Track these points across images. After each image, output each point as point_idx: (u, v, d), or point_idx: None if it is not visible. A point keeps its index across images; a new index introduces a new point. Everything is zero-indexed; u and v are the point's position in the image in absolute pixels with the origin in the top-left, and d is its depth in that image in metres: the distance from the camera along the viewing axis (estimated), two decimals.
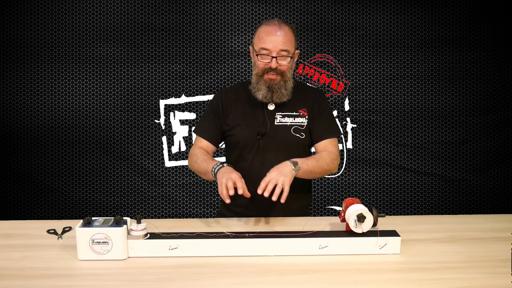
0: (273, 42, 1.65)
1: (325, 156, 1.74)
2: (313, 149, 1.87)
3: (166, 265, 1.26)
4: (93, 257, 1.28)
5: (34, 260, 1.30)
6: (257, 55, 1.70)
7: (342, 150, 2.94)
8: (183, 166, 2.92)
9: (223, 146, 1.94)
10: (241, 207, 1.79)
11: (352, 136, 2.93)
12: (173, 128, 2.90)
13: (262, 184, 1.50)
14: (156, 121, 2.88)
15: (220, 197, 1.96)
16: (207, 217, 2.93)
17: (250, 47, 1.77)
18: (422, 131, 2.94)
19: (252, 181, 1.73)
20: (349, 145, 2.94)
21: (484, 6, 2.85)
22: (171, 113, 2.88)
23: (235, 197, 1.76)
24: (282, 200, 1.49)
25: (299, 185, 1.77)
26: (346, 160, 2.95)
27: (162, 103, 2.87)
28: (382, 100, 2.92)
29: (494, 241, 1.43)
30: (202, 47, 2.85)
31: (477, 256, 1.32)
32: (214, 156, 1.85)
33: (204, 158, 1.74)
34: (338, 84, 2.90)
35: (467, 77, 2.91)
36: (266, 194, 1.48)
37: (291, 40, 1.68)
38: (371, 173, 2.96)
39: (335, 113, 2.91)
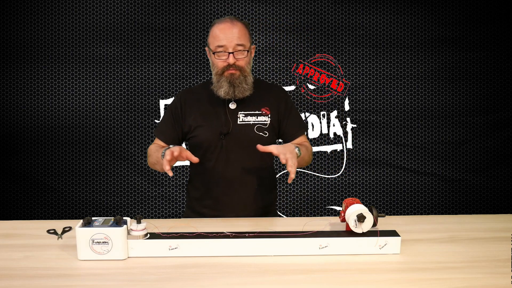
0: (228, 38, 1.66)
1: (309, 147, 1.81)
2: None
3: (166, 265, 1.26)
4: (93, 257, 1.28)
5: (34, 260, 1.30)
6: (213, 53, 1.70)
7: (342, 150, 2.95)
8: (183, 166, 2.92)
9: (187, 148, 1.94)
10: (207, 208, 1.80)
11: (352, 136, 2.93)
12: None
13: (273, 148, 1.54)
14: (156, 121, 2.88)
15: (185, 200, 1.96)
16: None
17: (206, 49, 1.77)
18: (422, 131, 2.94)
19: (217, 181, 1.75)
20: (349, 145, 2.94)
21: (484, 6, 2.85)
22: None
23: (201, 198, 1.78)
24: (289, 180, 1.52)
25: (264, 183, 1.79)
26: (346, 160, 2.95)
27: (162, 103, 2.87)
28: (382, 100, 2.92)
29: (494, 241, 1.43)
30: (202, 47, 2.85)
31: (477, 256, 1.32)
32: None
33: (157, 148, 1.76)
34: (338, 84, 2.90)
35: (467, 77, 2.91)
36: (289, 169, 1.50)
37: (245, 34, 1.69)
38: (371, 173, 2.97)
39: (335, 113, 2.92)
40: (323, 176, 2.96)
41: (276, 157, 1.83)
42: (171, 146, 1.65)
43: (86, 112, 2.87)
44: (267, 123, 1.76)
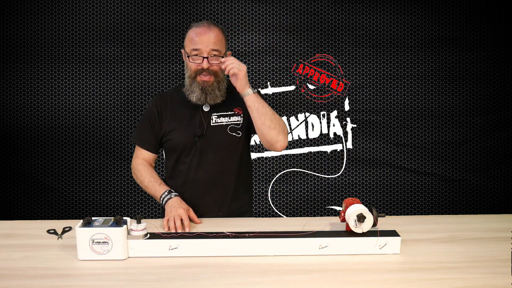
0: (204, 43, 1.65)
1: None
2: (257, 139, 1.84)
3: (166, 265, 1.26)
4: (93, 257, 1.28)
5: (34, 260, 1.30)
6: (188, 56, 1.69)
7: (342, 150, 2.95)
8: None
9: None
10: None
11: (352, 136, 2.93)
12: None
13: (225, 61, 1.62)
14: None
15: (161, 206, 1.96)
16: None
17: (182, 51, 1.77)
18: (422, 131, 2.94)
19: (192, 183, 1.76)
20: (349, 145, 2.94)
21: (484, 6, 2.85)
22: None
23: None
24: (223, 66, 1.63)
25: (239, 183, 1.80)
26: (346, 160, 2.95)
27: None
28: (382, 100, 2.92)
29: (494, 241, 1.43)
30: None
31: (477, 256, 1.32)
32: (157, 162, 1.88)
33: (150, 180, 1.76)
34: (338, 84, 2.90)
35: (467, 77, 2.91)
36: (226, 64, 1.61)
37: (221, 40, 1.69)
38: (371, 173, 2.97)
39: (335, 113, 2.92)
40: (323, 176, 2.96)
41: (254, 161, 1.83)
42: (172, 194, 1.67)
43: (86, 112, 2.86)
44: (240, 123, 1.76)
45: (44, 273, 1.21)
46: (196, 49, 1.66)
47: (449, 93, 2.92)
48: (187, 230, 1.52)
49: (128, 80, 2.86)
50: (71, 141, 2.88)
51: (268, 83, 2.88)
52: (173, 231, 1.50)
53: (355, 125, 2.93)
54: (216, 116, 1.75)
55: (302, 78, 2.89)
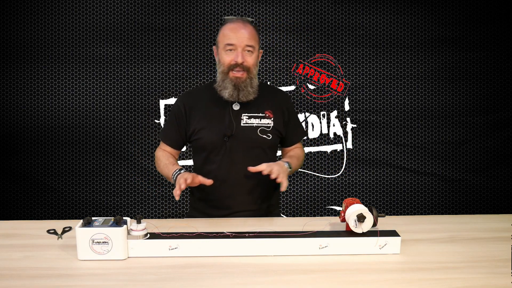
0: (239, 38, 1.66)
1: (301, 154, 1.90)
2: (279, 152, 1.95)
3: (166, 265, 1.26)
4: (93, 257, 1.28)
5: (34, 260, 1.30)
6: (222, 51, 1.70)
7: (342, 150, 2.95)
8: (183, 166, 2.92)
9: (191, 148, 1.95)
10: (211, 208, 1.81)
11: (352, 136, 2.93)
12: None
13: (264, 167, 1.61)
14: (156, 121, 2.88)
15: (189, 200, 1.98)
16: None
17: (214, 47, 1.77)
18: (422, 131, 2.94)
19: (221, 183, 1.75)
20: (349, 145, 2.94)
21: (484, 6, 2.85)
22: None
23: (205, 199, 1.80)
24: (283, 189, 1.61)
25: (267, 183, 1.79)
26: (346, 160, 2.95)
27: (162, 103, 2.87)
28: (382, 100, 2.92)
29: (494, 241, 1.43)
30: (202, 47, 2.85)
31: (477, 256, 1.32)
32: (181, 158, 1.89)
33: (166, 163, 1.79)
34: (338, 84, 2.90)
35: (467, 77, 2.91)
36: (272, 176, 1.60)
37: (255, 37, 1.70)
38: (371, 173, 2.96)
39: (335, 113, 2.92)
40: (323, 176, 2.96)
41: (279, 156, 1.85)
42: (182, 170, 1.70)
43: (86, 112, 2.87)
44: (270, 126, 1.77)
45: (44, 273, 1.21)
46: (231, 44, 1.66)
47: (449, 93, 2.92)
48: (194, 181, 1.59)
49: (128, 80, 2.86)
50: (71, 141, 2.88)
51: (268, 83, 2.88)
52: (178, 192, 1.53)
53: (355, 125, 2.93)
54: (247, 117, 1.75)
55: (302, 78, 2.89)
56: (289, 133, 1.86)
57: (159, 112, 2.88)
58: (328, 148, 2.94)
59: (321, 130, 2.93)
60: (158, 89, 2.86)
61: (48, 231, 1.52)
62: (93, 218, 1.34)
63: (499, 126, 2.94)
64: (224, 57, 1.69)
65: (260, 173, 1.77)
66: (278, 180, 1.59)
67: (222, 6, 2.83)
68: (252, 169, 1.61)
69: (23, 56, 2.82)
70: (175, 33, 2.84)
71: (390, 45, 2.88)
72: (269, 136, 1.76)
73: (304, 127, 2.86)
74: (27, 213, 2.90)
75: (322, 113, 2.92)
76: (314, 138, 2.93)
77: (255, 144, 1.74)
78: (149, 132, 2.89)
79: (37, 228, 1.57)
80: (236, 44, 1.66)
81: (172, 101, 2.87)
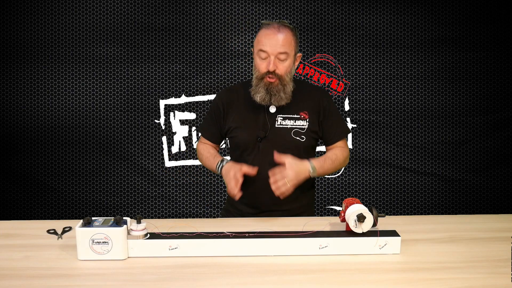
0: (271, 46, 1.65)
1: (340, 156, 1.81)
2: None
3: (166, 265, 1.26)
4: (93, 257, 1.28)
5: (34, 260, 1.30)
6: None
7: None
8: (183, 166, 2.92)
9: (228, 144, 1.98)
10: (244, 205, 1.82)
11: (352, 136, 2.93)
12: (173, 128, 2.90)
13: (275, 174, 1.61)
14: (156, 121, 2.88)
15: (226, 194, 1.99)
16: (207, 217, 2.93)
17: (252, 49, 1.78)
18: (422, 131, 2.94)
19: (253, 183, 1.75)
20: (349, 145, 2.94)
21: (484, 6, 2.85)
22: (171, 113, 2.89)
23: (241, 195, 1.79)
24: (281, 197, 1.62)
25: (300, 186, 1.76)
26: None
27: (162, 103, 2.87)
28: (382, 100, 2.92)
29: (494, 241, 1.43)
30: (202, 47, 2.85)
31: (477, 256, 1.32)
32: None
33: (207, 156, 1.84)
34: (338, 84, 2.90)
35: (467, 77, 2.91)
36: (273, 187, 1.60)
37: (290, 43, 1.68)
38: (371, 173, 2.96)
39: None
40: (323, 176, 2.96)
41: (315, 154, 1.85)
42: (224, 162, 1.74)
43: (86, 112, 2.87)
44: (304, 128, 1.76)
45: (44, 273, 1.21)
46: (264, 51, 1.66)
47: (449, 93, 2.92)
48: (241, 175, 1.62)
49: (128, 80, 2.86)
50: (71, 141, 2.88)
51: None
52: (237, 191, 1.60)
53: (355, 125, 2.93)
54: (282, 118, 1.75)
55: (302, 78, 2.89)
56: (326, 132, 1.81)
57: (159, 112, 2.88)
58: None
59: None
60: (158, 89, 2.86)
61: (48, 231, 1.52)
62: (93, 218, 1.34)
63: (499, 126, 2.94)
64: (258, 63, 1.70)
65: None
66: (273, 187, 1.60)
67: (222, 6, 2.83)
68: (276, 158, 1.63)
69: (23, 56, 2.82)
70: (175, 33, 2.84)
71: (390, 45, 2.88)
72: (303, 138, 1.76)
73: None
74: (27, 213, 2.90)
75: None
76: None
77: (288, 145, 1.74)
78: (149, 132, 2.89)
79: (37, 228, 1.57)
80: (269, 51, 1.66)
81: (172, 101, 2.87)
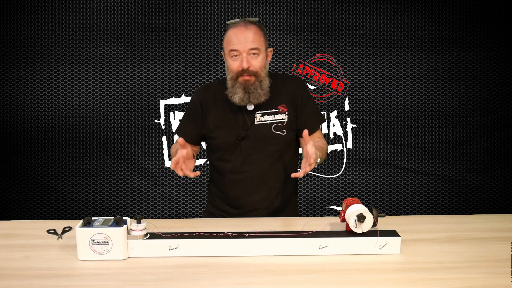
0: (241, 43, 1.63)
1: (324, 147, 1.77)
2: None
3: (166, 265, 1.26)
4: (93, 257, 1.28)
5: (34, 260, 1.30)
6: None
7: (342, 150, 2.94)
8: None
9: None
10: (229, 205, 1.81)
11: (352, 136, 2.93)
12: (173, 128, 2.90)
13: (310, 160, 1.47)
14: (156, 121, 2.88)
15: (207, 195, 1.97)
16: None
17: (222, 53, 1.75)
18: (422, 131, 2.94)
19: (237, 182, 1.74)
20: (349, 145, 2.94)
21: (484, 6, 2.85)
22: (171, 113, 2.88)
23: (222, 196, 1.80)
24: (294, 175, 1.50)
25: (284, 181, 1.78)
26: (346, 160, 2.95)
27: (162, 103, 2.87)
28: (382, 100, 2.92)
29: (494, 241, 1.43)
30: (202, 47, 2.85)
31: (477, 256, 1.32)
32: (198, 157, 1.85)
33: (176, 149, 1.74)
34: (338, 84, 2.90)
35: (467, 77, 2.91)
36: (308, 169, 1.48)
37: (259, 38, 1.66)
38: (371, 173, 2.96)
39: (335, 113, 2.92)
40: (323, 176, 2.96)
41: (298, 147, 1.81)
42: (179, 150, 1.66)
43: (86, 112, 2.87)
44: (284, 121, 1.73)
45: (44, 273, 1.21)
46: (235, 50, 1.64)
47: (449, 93, 2.92)
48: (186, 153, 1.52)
49: (128, 80, 2.86)
50: (71, 141, 2.88)
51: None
52: (175, 165, 1.49)
53: (355, 125, 2.93)
54: (260, 114, 1.73)
55: (302, 78, 2.89)
56: (303, 121, 1.77)
57: (159, 112, 2.88)
58: (328, 148, 2.94)
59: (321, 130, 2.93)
60: (158, 89, 2.86)
61: (48, 231, 1.52)
62: (93, 218, 1.34)
63: (499, 126, 2.94)
64: (231, 64, 1.67)
65: (275, 171, 1.74)
66: (305, 169, 1.47)
67: (223, 6, 2.83)
68: (306, 144, 1.49)
69: (23, 56, 2.82)
70: (175, 33, 2.84)
71: (390, 45, 2.88)
72: (283, 132, 1.73)
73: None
74: (27, 213, 2.90)
75: (322, 113, 2.92)
76: None
77: (270, 141, 1.72)
78: (149, 132, 2.89)
79: (37, 228, 1.57)
80: (240, 49, 1.64)
81: (172, 101, 2.87)
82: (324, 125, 2.92)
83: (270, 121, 1.73)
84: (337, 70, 2.89)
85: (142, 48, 2.84)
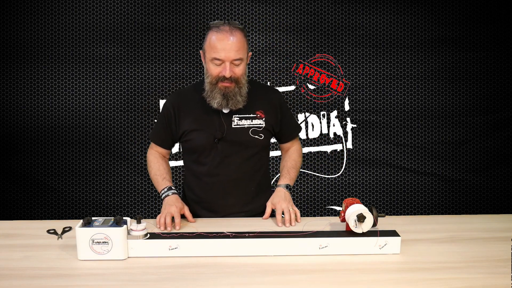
0: (226, 52, 1.59)
1: (297, 158, 1.89)
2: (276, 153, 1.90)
3: (166, 265, 1.26)
4: (93, 257, 1.28)
5: (34, 260, 1.30)
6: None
7: (342, 150, 2.95)
8: (183, 166, 2.92)
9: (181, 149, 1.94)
10: (204, 209, 1.80)
11: (352, 136, 2.93)
12: None
13: (282, 217, 1.64)
14: (156, 121, 2.88)
15: (182, 199, 1.97)
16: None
17: (201, 52, 1.71)
18: (422, 131, 2.94)
19: (213, 185, 1.75)
20: (349, 145, 2.94)
21: (484, 6, 2.85)
22: None
23: (197, 200, 1.81)
24: (299, 220, 1.64)
25: (259, 184, 1.81)
26: (346, 160, 2.95)
27: (162, 103, 2.87)
28: (382, 100, 2.92)
29: (494, 241, 1.44)
30: (202, 47, 2.84)
31: (477, 256, 1.32)
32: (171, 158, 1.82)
33: (156, 173, 1.79)
34: (338, 84, 2.90)
35: (467, 77, 2.91)
36: (293, 224, 1.61)
37: (243, 46, 1.63)
38: (371, 173, 2.97)
39: (335, 113, 2.92)
40: (323, 176, 2.96)
41: (271, 158, 1.85)
42: (170, 191, 1.70)
43: (86, 112, 2.87)
44: (261, 126, 1.74)
45: (44, 273, 1.22)
46: (218, 58, 1.60)
47: (449, 93, 2.92)
48: (177, 228, 1.53)
49: (128, 80, 2.86)
50: (71, 141, 2.88)
51: (268, 83, 2.88)
52: (162, 228, 1.53)
53: (355, 125, 2.93)
54: (238, 118, 1.72)
55: (302, 78, 2.89)
56: (284, 129, 1.83)
57: (159, 112, 2.88)
58: (328, 148, 2.94)
59: (321, 130, 2.93)
60: (158, 89, 2.86)
61: (48, 231, 1.52)
62: (93, 218, 1.34)
63: (499, 126, 2.94)
64: (212, 69, 1.64)
65: (251, 174, 1.78)
66: (292, 224, 1.62)
67: (222, 6, 2.83)
68: (266, 217, 1.70)
69: (23, 56, 2.82)
70: (175, 33, 2.84)
71: (390, 45, 2.88)
72: (261, 136, 1.74)
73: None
74: (27, 213, 2.90)
75: (322, 113, 2.92)
76: (314, 138, 2.93)
77: (246, 144, 1.73)
78: (149, 132, 2.89)
79: (37, 228, 1.57)
80: (224, 59, 1.60)
81: None
82: (324, 125, 2.93)
83: (248, 125, 1.73)
84: (337, 70, 2.89)
85: (142, 48, 2.84)
